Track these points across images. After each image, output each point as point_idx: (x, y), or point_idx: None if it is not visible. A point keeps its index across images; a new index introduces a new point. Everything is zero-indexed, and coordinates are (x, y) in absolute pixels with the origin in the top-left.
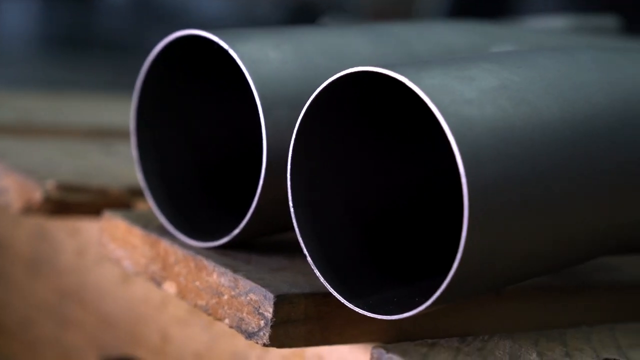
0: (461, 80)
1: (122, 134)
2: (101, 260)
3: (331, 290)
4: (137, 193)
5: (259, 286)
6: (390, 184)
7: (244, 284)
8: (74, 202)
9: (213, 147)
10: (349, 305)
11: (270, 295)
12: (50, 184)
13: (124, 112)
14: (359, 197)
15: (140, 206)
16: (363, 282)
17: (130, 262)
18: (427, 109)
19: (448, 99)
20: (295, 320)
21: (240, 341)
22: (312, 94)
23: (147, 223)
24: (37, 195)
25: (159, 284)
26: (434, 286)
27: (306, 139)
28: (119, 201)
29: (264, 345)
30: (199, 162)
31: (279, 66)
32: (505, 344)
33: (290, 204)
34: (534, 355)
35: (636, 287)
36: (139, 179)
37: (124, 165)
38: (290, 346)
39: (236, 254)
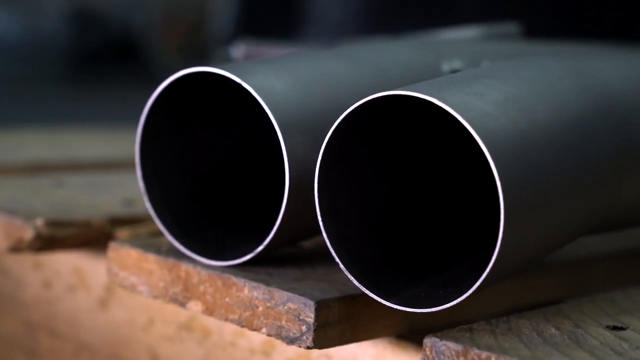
0: (474, 96)
1: (61, 167)
2: (72, 290)
3: (367, 292)
4: (116, 222)
5: (297, 295)
6: (394, 189)
7: (280, 294)
8: (61, 236)
9: (211, 171)
10: (388, 305)
11: (311, 302)
12: (40, 221)
13: (49, 145)
14: (372, 203)
15: (121, 235)
16: (386, 281)
17: (147, 287)
18: (439, 121)
19: (472, 114)
20: (331, 323)
21: (238, 350)
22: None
23: (157, 249)
24: (29, 234)
25: (182, 304)
26: (451, 279)
27: (329, 158)
28: (102, 232)
29: (307, 347)
30: (196, 187)
31: (286, 94)
32: (525, 323)
33: (319, 218)
34: (553, 329)
35: (587, 264)
36: (149, 209)
37: (86, 196)
38: (328, 346)
39: (256, 269)
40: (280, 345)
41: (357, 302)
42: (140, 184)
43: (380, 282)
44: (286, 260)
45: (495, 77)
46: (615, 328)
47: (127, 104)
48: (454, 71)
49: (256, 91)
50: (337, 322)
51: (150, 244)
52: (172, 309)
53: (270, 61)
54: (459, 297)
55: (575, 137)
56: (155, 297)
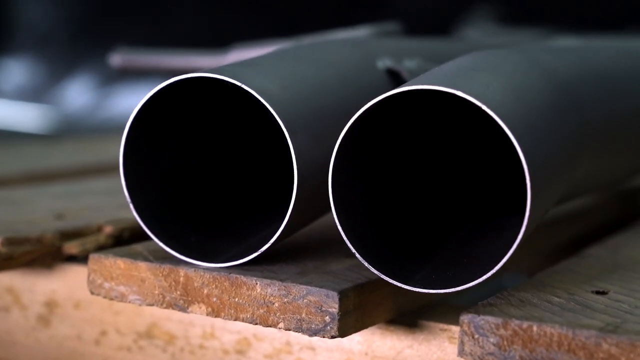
0: (482, 86)
1: None
2: (5, 310)
3: (389, 279)
4: (64, 236)
5: (317, 288)
6: (394, 181)
7: (298, 289)
8: (17, 254)
9: (186, 177)
10: (413, 290)
11: (333, 293)
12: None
13: None
14: (373, 196)
15: (70, 249)
16: (397, 267)
17: (139, 295)
18: (439, 111)
19: (492, 103)
20: (349, 311)
21: (210, 352)
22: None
23: (144, 257)
24: None
25: (182, 309)
26: (447, 260)
27: (342, 156)
28: (53, 246)
29: (331, 337)
30: (173, 194)
31: (281, 96)
32: (527, 295)
33: (335, 214)
34: (556, 298)
35: None
36: (137, 218)
37: (12, 213)
38: (347, 335)
39: (256, 268)
40: (256, 343)
41: (365, 291)
42: (126, 194)
43: (393, 269)
44: (274, 259)
45: (483, 70)
46: (598, 293)
47: None
48: (388, 69)
49: (258, 93)
50: (353, 310)
51: (134, 252)
52: (126, 319)
53: (250, 65)
54: (478, 275)
55: (554, 119)
56: (150, 304)
